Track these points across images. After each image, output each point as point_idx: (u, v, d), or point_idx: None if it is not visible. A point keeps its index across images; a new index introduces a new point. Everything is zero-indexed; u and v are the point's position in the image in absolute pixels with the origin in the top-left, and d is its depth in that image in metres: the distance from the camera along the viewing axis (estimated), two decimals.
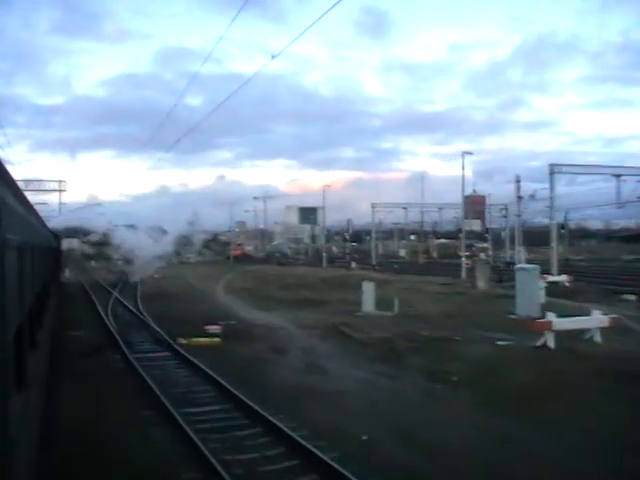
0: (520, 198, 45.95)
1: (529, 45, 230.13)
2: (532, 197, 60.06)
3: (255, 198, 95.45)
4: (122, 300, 33.54)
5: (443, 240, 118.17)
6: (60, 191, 49.94)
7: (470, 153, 50.39)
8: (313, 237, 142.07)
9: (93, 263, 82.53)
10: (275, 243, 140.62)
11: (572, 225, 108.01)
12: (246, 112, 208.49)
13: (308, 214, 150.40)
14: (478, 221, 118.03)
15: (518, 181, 50.30)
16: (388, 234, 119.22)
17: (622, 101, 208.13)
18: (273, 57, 17.60)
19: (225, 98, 28.81)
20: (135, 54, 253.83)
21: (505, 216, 73.19)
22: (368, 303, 26.78)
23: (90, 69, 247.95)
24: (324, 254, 70.36)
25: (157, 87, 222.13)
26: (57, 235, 33.78)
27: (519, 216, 46.31)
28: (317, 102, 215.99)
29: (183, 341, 19.95)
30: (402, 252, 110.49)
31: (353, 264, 62.78)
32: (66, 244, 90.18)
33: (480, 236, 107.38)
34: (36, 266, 7.73)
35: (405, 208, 72.11)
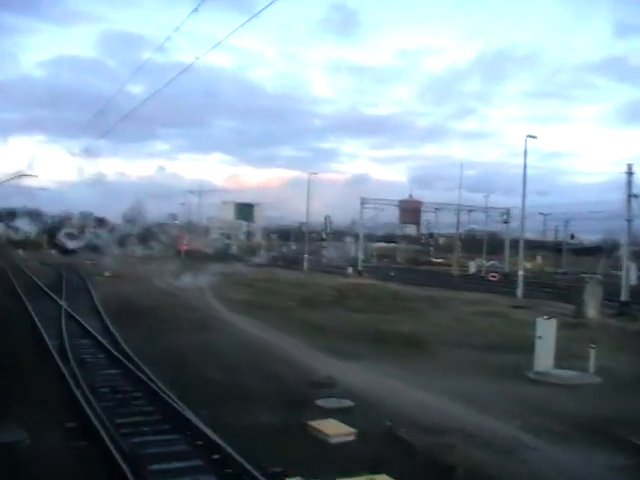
0: (633, 196, 34.42)
1: (479, 56, 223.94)
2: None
3: (190, 192, 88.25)
4: (80, 321, 20.31)
5: (383, 244, 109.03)
6: None
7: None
8: (249, 234, 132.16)
9: (21, 252, 66.98)
10: (211, 238, 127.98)
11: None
12: (187, 104, 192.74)
13: (244, 210, 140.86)
14: (413, 226, 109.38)
15: None
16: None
17: (562, 117, 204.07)
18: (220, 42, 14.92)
19: (162, 86, 22.79)
20: (79, 37, 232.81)
21: (507, 222, 62.74)
22: (546, 356, 14.59)
23: (30, 49, 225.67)
24: (305, 255, 57.70)
25: (99, 73, 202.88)
26: None
27: (630, 221, 34.54)
28: (261, 98, 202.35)
29: None
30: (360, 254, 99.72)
31: (350, 270, 50.50)
32: None
33: (416, 240, 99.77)
34: None
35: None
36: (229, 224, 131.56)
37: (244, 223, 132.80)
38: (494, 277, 49.01)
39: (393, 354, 17.24)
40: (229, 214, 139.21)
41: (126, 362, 13.99)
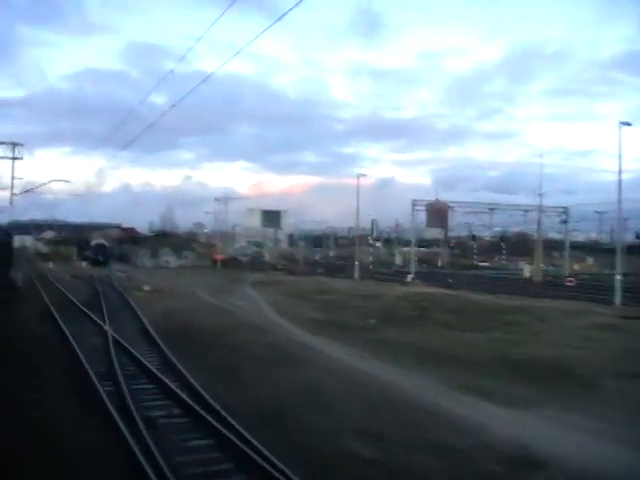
0: None
1: (502, 57, 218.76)
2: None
3: (217, 199, 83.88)
4: (133, 353, 15.82)
5: (421, 248, 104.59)
6: (14, 159, 31.43)
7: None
8: (276, 241, 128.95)
9: (51, 265, 63.17)
10: (238, 246, 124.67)
11: None
12: (210, 112, 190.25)
13: (271, 217, 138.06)
14: (439, 229, 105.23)
15: None
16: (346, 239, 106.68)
17: (586, 115, 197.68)
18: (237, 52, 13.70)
19: (184, 94, 20.18)
20: (101, 49, 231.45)
21: (565, 221, 57.61)
22: None
23: (55, 63, 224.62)
24: (357, 263, 52.91)
25: (122, 84, 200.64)
26: (8, 232, 25.59)
27: None
28: (282, 104, 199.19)
29: None
30: (398, 259, 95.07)
31: (409, 277, 45.65)
32: (17, 241, 71.31)
33: (444, 244, 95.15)
34: None
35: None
36: (257, 232, 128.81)
37: (271, 230, 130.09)
38: (571, 282, 44.03)
39: (557, 394, 12.69)
40: (255, 221, 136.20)
41: (218, 426, 9.45)
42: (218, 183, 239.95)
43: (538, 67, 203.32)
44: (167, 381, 12.77)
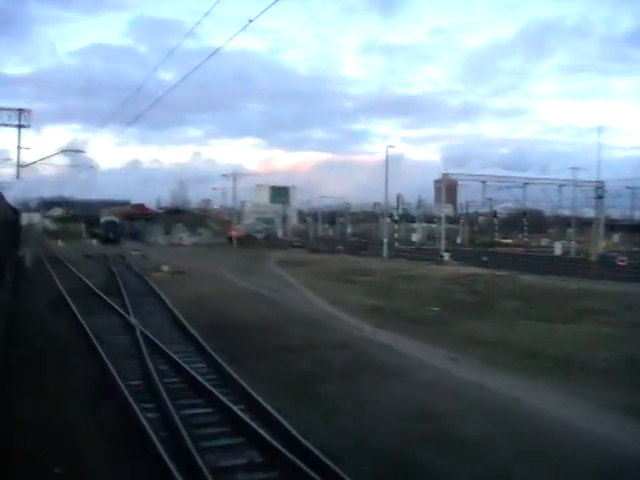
0: None
1: (514, 33, 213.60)
2: None
3: (224, 176, 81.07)
4: (173, 357, 12.43)
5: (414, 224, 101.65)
6: (20, 127, 27.89)
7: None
8: (285, 217, 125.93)
9: (60, 243, 59.93)
10: (247, 223, 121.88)
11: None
12: (219, 89, 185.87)
13: (279, 194, 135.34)
14: (450, 205, 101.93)
15: None
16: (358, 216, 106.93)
17: (598, 91, 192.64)
18: (250, 21, 12.81)
19: (192, 70, 18.79)
20: (109, 25, 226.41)
21: (601, 196, 53.98)
22: None
23: (63, 39, 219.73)
24: (385, 240, 49.37)
25: (131, 60, 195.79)
26: (15, 209, 23.58)
27: None
28: (292, 81, 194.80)
29: None
30: (414, 237, 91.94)
31: (446, 255, 42.15)
32: (24, 219, 68.10)
33: (452, 220, 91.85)
34: None
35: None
36: (267, 208, 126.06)
37: (280, 206, 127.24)
38: (622, 262, 40.70)
39: None
40: (264, 198, 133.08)
41: None
42: (226, 160, 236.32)
43: (552, 43, 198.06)
44: (229, 403, 9.45)
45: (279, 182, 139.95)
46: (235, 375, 10.87)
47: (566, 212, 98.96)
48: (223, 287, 25.22)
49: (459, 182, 50.27)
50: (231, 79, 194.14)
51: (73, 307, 18.73)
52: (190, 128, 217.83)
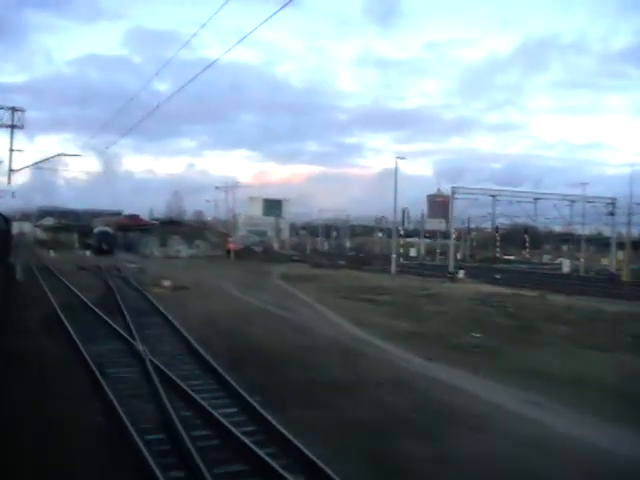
0: None
1: (510, 48, 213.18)
2: None
3: (217, 188, 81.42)
4: (199, 402, 10.04)
5: (409, 239, 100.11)
6: (13, 127, 25.43)
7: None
8: (278, 230, 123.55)
9: (52, 253, 57.24)
10: (240, 235, 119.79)
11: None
12: (213, 100, 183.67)
13: (273, 206, 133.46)
14: (443, 220, 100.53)
15: None
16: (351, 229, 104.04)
17: (592, 107, 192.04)
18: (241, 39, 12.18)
19: (187, 82, 18.79)
20: (105, 35, 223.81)
21: (612, 213, 52.02)
22: None
23: (57, 48, 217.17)
24: (393, 255, 46.96)
25: (126, 70, 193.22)
26: (6, 218, 20.63)
27: None
28: (286, 93, 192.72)
29: None
30: (412, 252, 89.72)
31: (461, 272, 39.81)
32: (15, 228, 65.35)
33: (445, 235, 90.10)
34: None
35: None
36: (260, 220, 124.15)
37: (272, 219, 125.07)
38: None
39: None
40: (257, 210, 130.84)
41: None
42: (220, 172, 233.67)
43: (546, 60, 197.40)
44: (283, 472, 7.03)
45: (272, 194, 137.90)
46: (280, 427, 8.47)
47: (557, 228, 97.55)
48: (233, 305, 22.79)
49: (464, 196, 47.82)
50: (225, 91, 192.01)
51: (69, 328, 16.27)
52: (184, 139, 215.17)
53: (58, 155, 30.84)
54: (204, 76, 19.17)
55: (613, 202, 52.07)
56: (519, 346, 16.19)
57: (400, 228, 53.29)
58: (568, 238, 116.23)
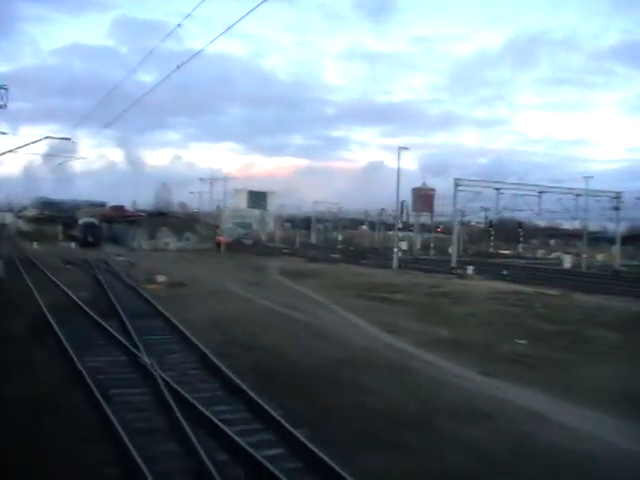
0: None
1: (498, 45, 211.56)
2: None
3: (202, 180, 79.36)
4: (237, 442, 7.90)
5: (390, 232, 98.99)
6: None
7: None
8: (262, 222, 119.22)
9: (36, 245, 54.41)
10: (224, 227, 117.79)
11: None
12: (199, 92, 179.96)
13: (258, 198, 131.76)
14: (427, 214, 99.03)
15: None
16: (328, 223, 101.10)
17: (578, 105, 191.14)
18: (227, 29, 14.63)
19: (171, 72, 18.05)
20: (93, 25, 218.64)
21: (617, 208, 50.30)
22: None
23: (42, 38, 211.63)
24: (395, 249, 44.66)
25: (112, 60, 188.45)
26: None
27: None
28: (273, 86, 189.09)
29: None
30: (404, 246, 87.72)
31: (470, 268, 37.67)
32: None
33: (429, 229, 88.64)
34: None
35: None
36: (246, 213, 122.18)
37: (257, 211, 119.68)
38: None
39: None
40: (242, 202, 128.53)
41: None
42: (205, 164, 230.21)
43: (535, 56, 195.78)
44: None
45: (257, 187, 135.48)
46: None
47: (542, 222, 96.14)
48: (240, 306, 20.48)
49: (469, 189, 45.71)
50: (212, 82, 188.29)
51: (60, 335, 13.90)
52: (169, 131, 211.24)
53: (45, 138, 28.04)
54: (191, 68, 17.35)
55: (618, 196, 50.30)
56: (576, 356, 14.10)
57: (399, 221, 50.90)
58: (554, 233, 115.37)
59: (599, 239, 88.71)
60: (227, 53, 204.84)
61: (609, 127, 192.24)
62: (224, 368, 11.36)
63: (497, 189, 45.66)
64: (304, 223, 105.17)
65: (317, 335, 15.36)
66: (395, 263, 42.09)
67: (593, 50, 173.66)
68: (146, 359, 11.75)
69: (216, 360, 11.94)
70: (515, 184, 46.81)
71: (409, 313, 20.20)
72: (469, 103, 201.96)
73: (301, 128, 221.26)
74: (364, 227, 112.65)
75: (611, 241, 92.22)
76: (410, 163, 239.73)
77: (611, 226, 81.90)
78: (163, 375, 10.57)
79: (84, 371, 10.86)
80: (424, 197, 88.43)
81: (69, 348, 12.61)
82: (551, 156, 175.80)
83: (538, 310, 22.04)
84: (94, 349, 13.17)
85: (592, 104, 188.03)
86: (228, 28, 15.99)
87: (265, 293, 24.45)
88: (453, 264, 43.59)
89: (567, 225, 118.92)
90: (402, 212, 60.12)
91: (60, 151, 41.06)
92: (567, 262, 54.56)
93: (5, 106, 23.56)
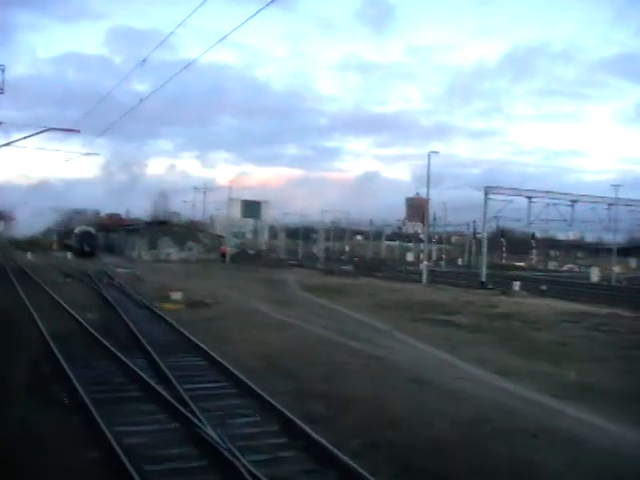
0: None
1: (493, 57, 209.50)
2: None
3: (196, 189, 79.45)
4: None
5: (390, 243, 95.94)
6: None
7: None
8: (256, 232, 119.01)
9: (30, 256, 50.21)
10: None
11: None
12: (192, 102, 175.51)
13: (252, 208, 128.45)
14: (420, 224, 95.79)
15: None
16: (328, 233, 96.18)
17: (571, 116, 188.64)
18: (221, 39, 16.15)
19: (165, 81, 17.74)
20: (86, 34, 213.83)
21: None
22: None
23: (38, 47, 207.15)
24: (425, 263, 40.73)
25: (106, 69, 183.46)
26: None
27: None
28: (267, 96, 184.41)
29: None
30: (409, 257, 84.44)
31: (516, 284, 33.78)
32: None
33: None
34: None
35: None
36: (241, 222, 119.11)
37: (251, 221, 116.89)
38: None
39: None
40: (235, 212, 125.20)
41: None
42: (198, 173, 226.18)
43: (528, 68, 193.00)
44: None
45: (250, 197, 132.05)
46: None
47: (538, 233, 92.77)
48: (286, 334, 16.62)
49: (501, 198, 42.23)
50: (205, 92, 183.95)
51: (76, 383, 10.00)
52: (162, 140, 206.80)
53: (48, 130, 24.07)
54: (184, 78, 14.24)
55: None
56: None
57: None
58: (555, 244, 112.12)
59: (598, 250, 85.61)
60: (222, 63, 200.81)
61: (602, 138, 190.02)
62: (328, 444, 7.53)
63: (529, 197, 42.09)
64: (299, 233, 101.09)
65: (413, 381, 11.54)
66: (425, 277, 38.25)
67: (587, 62, 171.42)
68: (211, 431, 7.89)
69: (311, 431, 8.10)
70: (547, 192, 43.22)
71: (491, 343, 16.45)
72: (464, 114, 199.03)
73: (295, 138, 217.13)
74: (359, 237, 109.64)
75: (611, 252, 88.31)
76: (404, 173, 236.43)
77: (607, 237, 78.23)
78: (247, 464, 6.74)
79: (124, 458, 6.97)
80: (416, 207, 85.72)
81: (92, 409, 8.71)
82: (544, 167, 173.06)
83: (628, 336, 18.38)
84: (126, 408, 9.30)
85: (586, 115, 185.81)
86: (222, 38, 15.45)
87: (304, 315, 20.60)
88: (483, 278, 39.87)
89: (561, 236, 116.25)
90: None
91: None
92: (595, 275, 51.07)
93: (2, 91, 19.82)
